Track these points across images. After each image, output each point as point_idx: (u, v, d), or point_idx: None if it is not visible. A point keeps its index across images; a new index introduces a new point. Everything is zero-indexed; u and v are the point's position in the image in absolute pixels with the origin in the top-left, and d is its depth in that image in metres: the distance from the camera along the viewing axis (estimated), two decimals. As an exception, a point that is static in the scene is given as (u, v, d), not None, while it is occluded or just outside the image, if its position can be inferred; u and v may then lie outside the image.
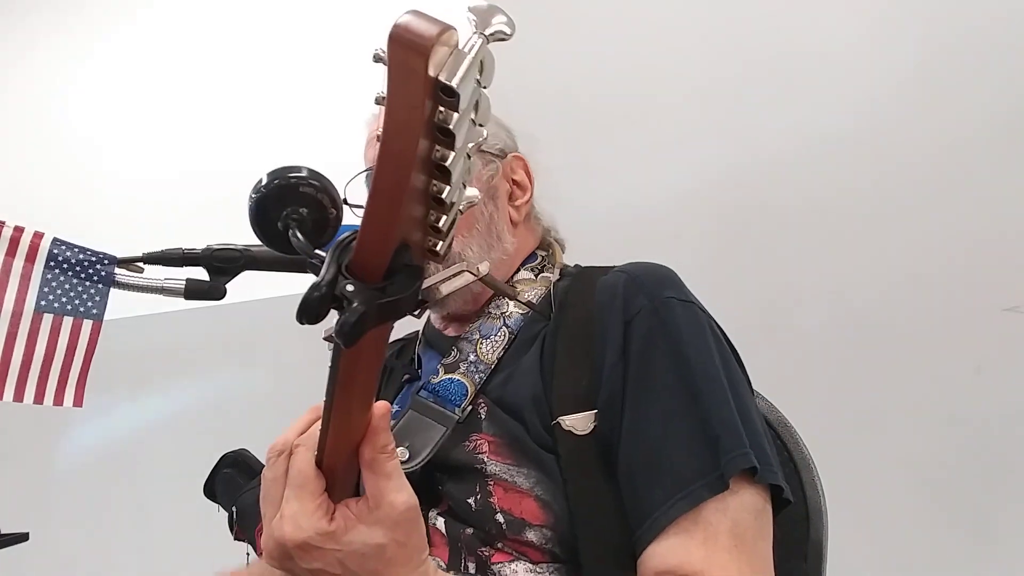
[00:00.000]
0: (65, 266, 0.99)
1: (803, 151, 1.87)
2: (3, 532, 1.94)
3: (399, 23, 0.38)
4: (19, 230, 0.99)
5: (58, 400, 1.01)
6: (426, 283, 0.90)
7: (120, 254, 1.00)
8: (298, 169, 0.49)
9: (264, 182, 0.49)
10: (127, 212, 2.81)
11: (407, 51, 0.38)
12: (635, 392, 0.82)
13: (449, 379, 0.92)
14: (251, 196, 0.49)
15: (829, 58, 1.87)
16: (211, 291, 0.97)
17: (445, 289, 0.90)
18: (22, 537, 1.96)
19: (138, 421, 2.75)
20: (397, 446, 0.85)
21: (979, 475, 1.63)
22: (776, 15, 1.95)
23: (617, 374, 0.83)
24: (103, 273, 0.99)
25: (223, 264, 0.96)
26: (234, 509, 1.85)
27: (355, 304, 0.43)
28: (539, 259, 1.03)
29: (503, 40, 0.39)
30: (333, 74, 2.57)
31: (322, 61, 2.61)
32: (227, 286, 0.98)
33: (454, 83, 0.36)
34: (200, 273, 0.97)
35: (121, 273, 0.99)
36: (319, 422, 0.60)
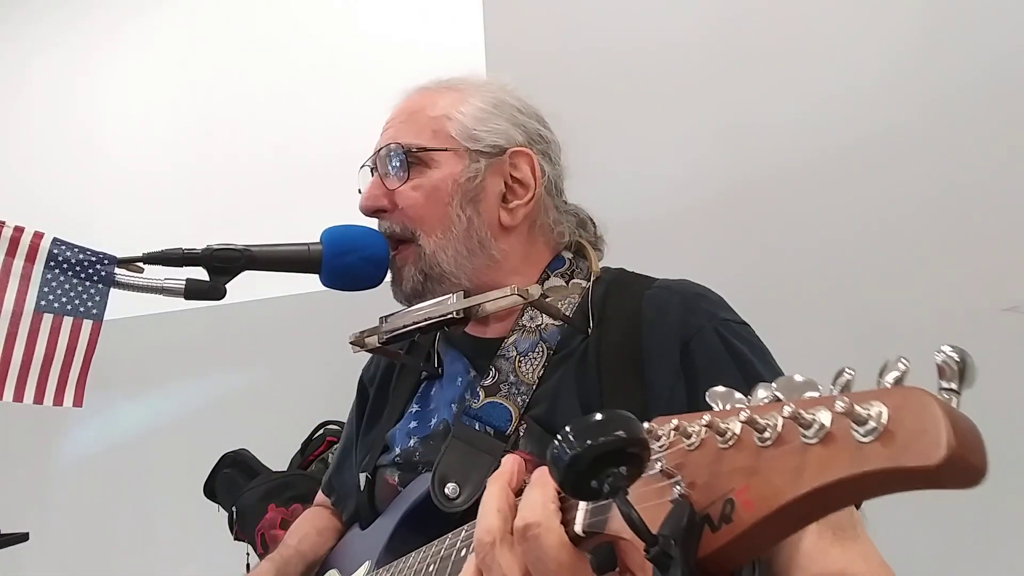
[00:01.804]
0: (65, 266, 0.99)
1: (803, 151, 1.87)
2: (3, 532, 1.95)
3: (963, 457, 0.33)
4: (19, 230, 0.99)
5: (58, 400, 1.01)
6: (474, 301, 0.90)
7: (120, 254, 1.00)
8: (610, 422, 0.43)
9: (578, 439, 0.42)
10: (127, 212, 2.81)
11: (953, 479, 0.34)
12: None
13: (492, 403, 0.89)
14: (561, 455, 0.42)
15: (830, 59, 1.87)
16: (211, 291, 0.97)
17: (491, 308, 0.90)
18: (22, 537, 1.96)
19: (138, 421, 2.75)
20: (446, 483, 0.83)
21: (979, 475, 1.63)
22: (777, 14, 1.95)
23: (679, 394, 0.82)
24: (103, 273, 0.99)
25: (223, 264, 0.96)
26: (234, 509, 1.85)
27: None
28: (567, 263, 1.00)
29: None
30: (335, 74, 2.57)
31: (324, 61, 2.61)
32: (227, 286, 0.97)
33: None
34: (200, 273, 0.97)
35: (121, 273, 0.99)
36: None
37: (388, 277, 1.02)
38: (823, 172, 1.85)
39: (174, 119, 2.86)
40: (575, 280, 0.98)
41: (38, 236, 0.99)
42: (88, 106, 3.04)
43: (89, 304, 1.00)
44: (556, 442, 0.43)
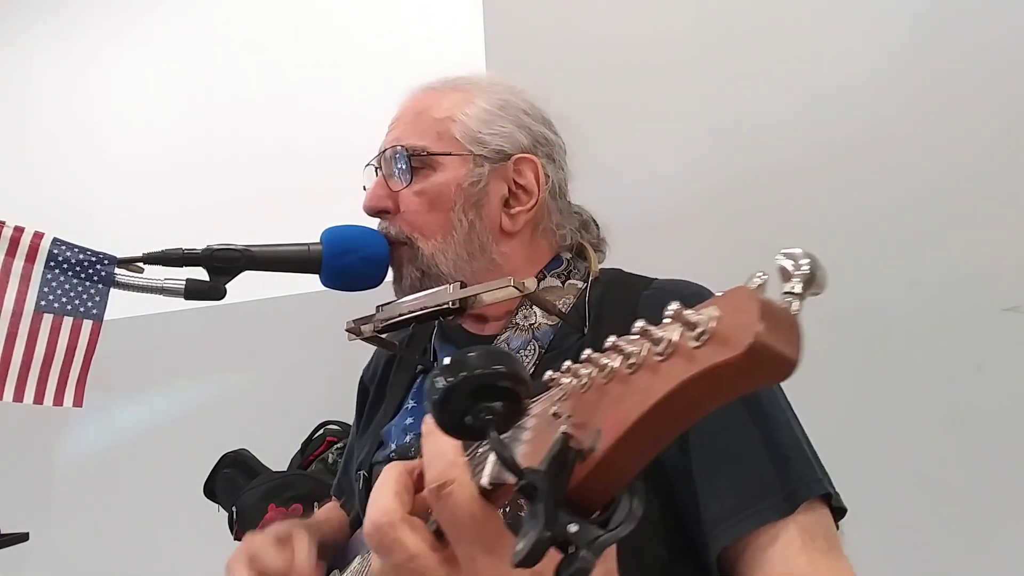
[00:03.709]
0: (65, 266, 0.99)
1: (803, 152, 1.87)
2: (3, 532, 1.95)
3: (767, 342, 0.32)
4: (19, 230, 0.99)
5: (58, 400, 1.01)
6: (470, 291, 0.90)
7: (120, 254, 1.00)
8: (488, 355, 0.43)
9: (452, 372, 0.42)
10: (128, 212, 2.81)
11: (765, 371, 0.33)
12: None
13: None
14: (436, 386, 0.42)
15: (831, 61, 1.87)
16: (211, 291, 0.97)
17: (487, 299, 0.89)
18: (22, 537, 1.96)
19: (138, 421, 2.75)
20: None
21: (979, 475, 1.63)
22: (781, 17, 1.95)
23: None
24: (103, 273, 0.99)
25: (223, 264, 0.96)
26: (234, 509, 1.85)
27: (583, 554, 0.38)
28: (564, 263, 1.00)
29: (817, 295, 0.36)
30: (335, 73, 2.57)
31: (324, 60, 2.61)
32: (227, 286, 0.97)
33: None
34: (200, 273, 0.97)
35: (121, 273, 0.99)
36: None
37: (388, 277, 1.02)
38: (823, 171, 1.85)
39: (175, 119, 2.86)
40: (571, 281, 0.98)
41: (38, 236, 0.99)
42: (89, 106, 3.04)
43: (89, 304, 1.00)
44: (432, 375, 0.43)
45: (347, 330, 1.00)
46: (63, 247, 1.00)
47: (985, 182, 1.70)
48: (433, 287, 0.96)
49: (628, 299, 0.91)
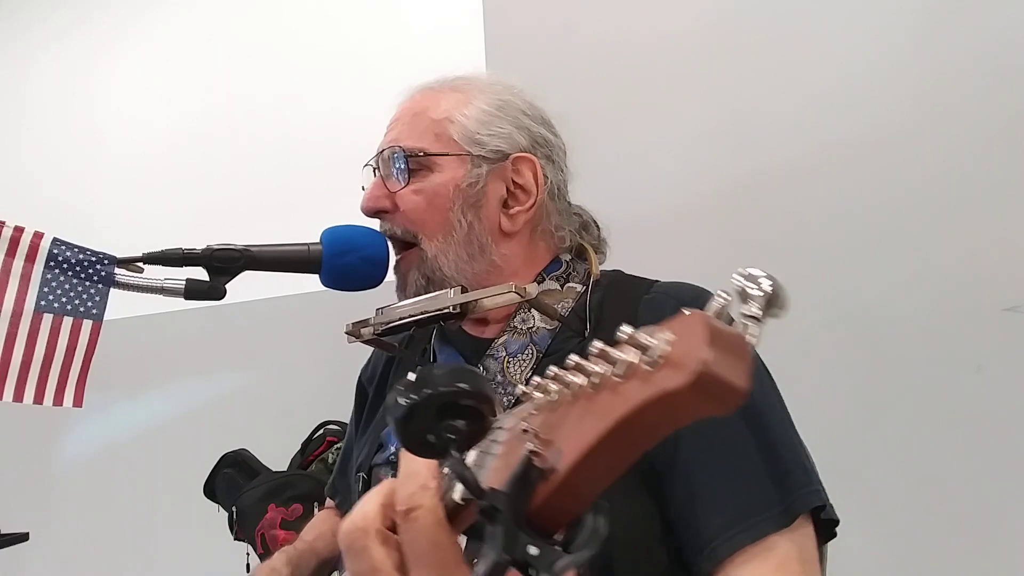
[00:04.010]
0: (65, 266, 0.99)
1: (804, 153, 1.87)
2: (3, 532, 1.95)
3: (713, 372, 0.31)
4: (19, 230, 0.99)
5: (58, 400, 1.01)
6: (471, 296, 0.90)
7: (120, 254, 1.00)
8: (453, 373, 0.42)
9: (416, 389, 0.42)
10: (128, 212, 2.81)
11: (712, 400, 0.32)
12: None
13: None
14: (399, 402, 0.42)
15: (831, 60, 1.87)
16: (211, 291, 0.97)
17: (488, 304, 0.89)
18: (22, 537, 1.96)
19: (138, 421, 2.75)
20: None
21: (979, 475, 1.63)
22: (780, 17, 1.95)
23: None
24: (103, 273, 0.99)
25: (223, 264, 0.96)
26: (234, 509, 1.85)
27: None
28: (564, 265, 0.99)
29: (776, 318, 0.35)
30: (336, 73, 2.57)
31: (324, 60, 2.61)
32: (227, 286, 0.97)
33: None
34: (200, 273, 0.97)
35: (121, 273, 0.99)
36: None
37: (388, 277, 1.02)
38: (823, 172, 1.85)
39: (175, 119, 2.86)
40: (570, 284, 0.97)
41: (38, 236, 0.99)
42: (89, 106, 3.04)
43: (89, 304, 1.00)
44: (394, 393, 0.42)
45: (347, 332, 1.00)
46: (63, 247, 1.00)
47: (985, 182, 1.70)
48: (435, 292, 0.96)
49: (629, 302, 0.91)
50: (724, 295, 0.36)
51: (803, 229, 1.86)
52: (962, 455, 1.65)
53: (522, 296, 0.86)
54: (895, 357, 1.74)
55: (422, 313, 0.94)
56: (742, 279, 0.36)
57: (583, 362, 0.38)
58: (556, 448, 0.39)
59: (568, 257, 1.01)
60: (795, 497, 0.77)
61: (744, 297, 0.35)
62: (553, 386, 0.40)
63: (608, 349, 0.36)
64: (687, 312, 0.34)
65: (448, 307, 0.91)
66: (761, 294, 0.35)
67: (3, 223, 0.99)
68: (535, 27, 2.22)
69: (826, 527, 0.82)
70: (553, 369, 0.40)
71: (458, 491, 0.45)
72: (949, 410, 1.67)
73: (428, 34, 2.44)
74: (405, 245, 0.99)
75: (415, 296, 0.97)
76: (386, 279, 1.02)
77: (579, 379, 0.38)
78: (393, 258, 1.01)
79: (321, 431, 1.98)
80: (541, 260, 1.00)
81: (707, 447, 0.79)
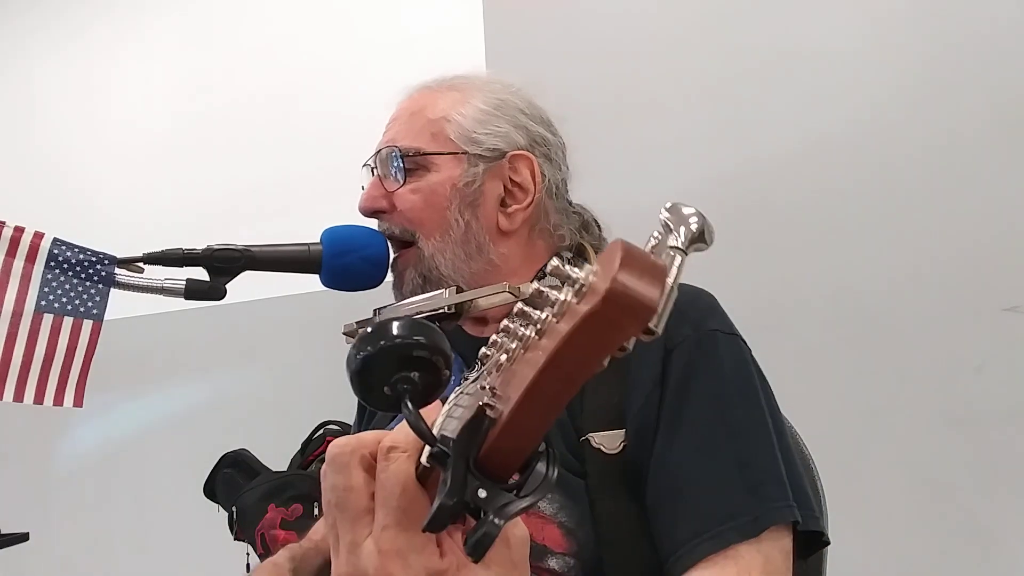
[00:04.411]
0: (65, 266, 0.99)
1: (803, 150, 1.87)
2: (3, 532, 1.95)
3: (623, 287, 0.32)
4: (19, 230, 0.99)
5: (58, 400, 1.01)
6: (466, 296, 0.90)
7: (120, 254, 1.00)
8: (408, 326, 0.43)
9: (371, 341, 0.42)
10: (128, 212, 2.81)
11: (626, 316, 0.33)
12: (670, 421, 0.81)
13: None
14: (355, 355, 0.42)
15: (829, 57, 1.87)
16: (211, 291, 0.97)
17: (483, 304, 0.89)
18: (22, 537, 1.96)
19: (138, 421, 2.75)
20: None
21: (979, 475, 1.63)
22: (776, 14, 1.95)
23: (653, 401, 0.82)
24: (103, 273, 0.99)
25: (223, 264, 0.96)
26: (234, 509, 1.85)
27: (492, 518, 0.38)
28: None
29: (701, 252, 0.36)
30: (335, 73, 2.57)
31: (324, 60, 2.61)
32: (227, 286, 0.97)
33: (658, 327, 0.33)
34: (200, 273, 0.97)
35: (121, 273, 0.99)
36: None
37: (388, 277, 1.02)
38: (823, 171, 1.85)
39: (175, 119, 2.86)
40: None
41: (38, 236, 1.00)
42: (90, 107, 3.04)
43: (89, 304, 1.00)
44: (352, 346, 0.43)
45: (345, 333, 1.00)
46: (63, 247, 1.00)
47: (986, 182, 1.70)
48: (432, 291, 0.96)
49: None
50: (656, 234, 0.37)
51: (803, 229, 1.86)
52: (962, 455, 1.65)
53: (516, 296, 0.86)
54: (895, 356, 1.74)
55: (418, 314, 0.94)
56: (666, 213, 0.37)
57: (528, 310, 0.38)
58: (506, 398, 0.40)
59: (568, 256, 1.01)
60: (765, 509, 0.77)
61: (667, 230, 0.36)
62: (510, 344, 0.41)
63: (546, 290, 0.37)
64: (611, 243, 0.35)
65: (443, 307, 0.91)
66: (685, 228, 0.36)
67: (3, 223, 0.99)
68: (535, 27, 2.22)
69: (816, 539, 0.82)
70: (505, 323, 0.41)
71: (425, 452, 0.46)
72: (949, 410, 1.67)
73: (428, 34, 2.44)
74: (403, 244, 0.99)
75: (412, 294, 0.98)
76: (386, 279, 1.03)
77: (528, 330, 0.39)
78: (391, 257, 1.01)
79: (321, 431, 1.98)
80: (540, 259, 1.00)
81: (685, 454, 0.79)
